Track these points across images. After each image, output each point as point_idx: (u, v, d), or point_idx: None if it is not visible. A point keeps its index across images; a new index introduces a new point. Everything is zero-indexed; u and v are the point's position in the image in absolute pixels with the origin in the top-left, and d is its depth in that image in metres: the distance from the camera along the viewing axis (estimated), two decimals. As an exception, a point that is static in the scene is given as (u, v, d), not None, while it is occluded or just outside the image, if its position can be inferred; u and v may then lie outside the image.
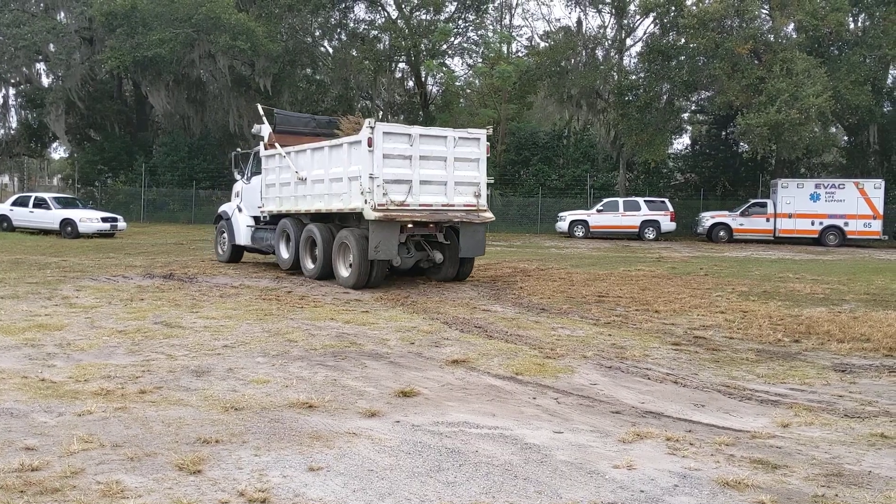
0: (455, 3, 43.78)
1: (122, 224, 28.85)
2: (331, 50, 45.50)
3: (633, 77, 39.17)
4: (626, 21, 40.67)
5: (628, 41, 41.62)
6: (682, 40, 35.31)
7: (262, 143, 17.41)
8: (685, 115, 43.85)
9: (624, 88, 37.83)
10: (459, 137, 14.36)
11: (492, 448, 5.37)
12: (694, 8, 33.56)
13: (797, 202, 32.66)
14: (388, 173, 13.54)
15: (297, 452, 5.15)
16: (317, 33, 44.71)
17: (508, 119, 40.85)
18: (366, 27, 44.64)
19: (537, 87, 41.92)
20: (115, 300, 12.14)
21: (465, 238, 14.56)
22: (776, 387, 7.47)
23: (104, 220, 28.16)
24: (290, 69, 41.16)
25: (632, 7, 39.51)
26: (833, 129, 40.16)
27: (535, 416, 6.28)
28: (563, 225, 34.03)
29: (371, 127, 13.44)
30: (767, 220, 33.17)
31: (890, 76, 38.97)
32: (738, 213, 33.85)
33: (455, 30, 43.90)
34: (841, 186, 32.79)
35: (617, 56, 41.25)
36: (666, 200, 35.22)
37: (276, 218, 17.06)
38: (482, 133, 14.71)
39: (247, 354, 8.31)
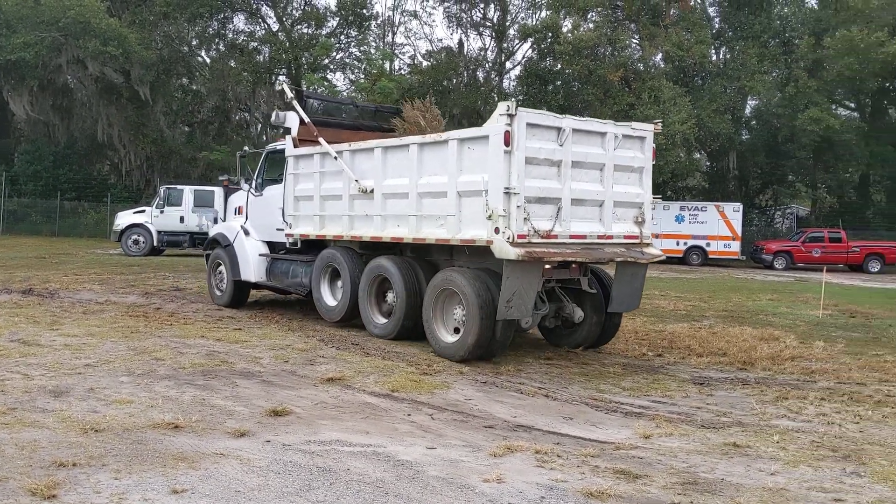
0: (337, 19, 43.69)
1: (-24, 236, 27.03)
2: (208, 60, 44.41)
3: (513, 99, 40.21)
4: (505, 45, 41.75)
5: (508, 64, 42.75)
6: (559, 66, 36.54)
7: (288, 136, 12.59)
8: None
9: (503, 110, 38.73)
10: (623, 135, 9.84)
11: (364, 466, 5.35)
12: (569, 35, 34.83)
13: (663, 223, 34.23)
14: (532, 188, 8.94)
15: (161, 475, 4.96)
16: (194, 43, 43.55)
17: (390, 136, 41.00)
18: (245, 38, 43.84)
19: (419, 105, 42.30)
20: (-35, 317, 11.35)
21: (620, 284, 10.11)
22: (640, 399, 7.80)
23: (-44, 231, 26.31)
24: (164, 78, 39.89)
25: (511, 32, 40.63)
26: (697, 155, 42.42)
27: (409, 432, 6.31)
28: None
29: (510, 114, 8.71)
30: (637, 239, 34.58)
31: (748, 106, 41.65)
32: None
33: (337, 45, 43.78)
34: (703, 209, 34.62)
35: (497, 78, 42.24)
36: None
37: (310, 245, 12.33)
38: (649, 129, 10.19)
39: (110, 373, 7.95)
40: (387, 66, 43.44)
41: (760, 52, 35.66)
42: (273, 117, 12.96)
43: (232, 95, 42.28)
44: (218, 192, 24.63)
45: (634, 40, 37.49)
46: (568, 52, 33.88)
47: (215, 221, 19.07)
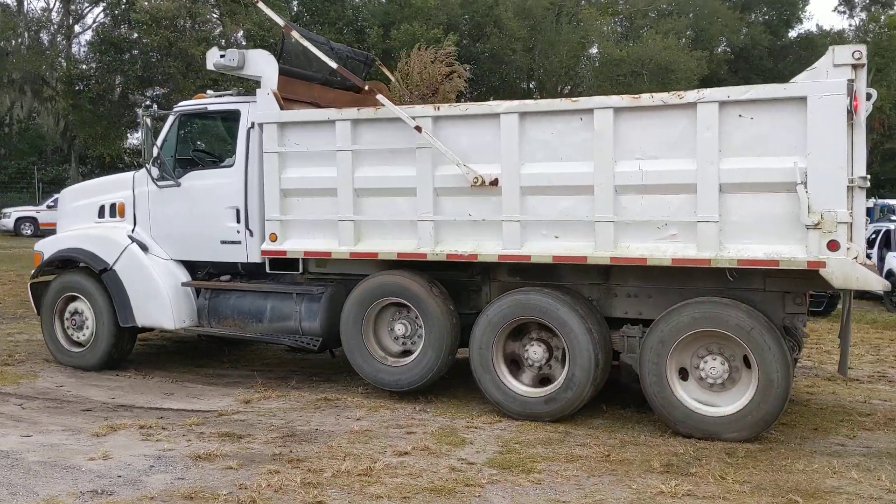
0: None
1: None
2: None
3: (84, 66, 37.28)
4: (73, 7, 38.50)
5: (77, 28, 39.47)
6: (135, 35, 34.84)
7: (262, 92, 7.56)
8: (139, 111, 43.33)
9: (74, 77, 35.77)
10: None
11: (-49, 463, 5.03)
12: (146, 4, 33.38)
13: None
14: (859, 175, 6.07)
15: None
16: None
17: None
18: None
19: (-31, 65, 37.25)
20: None
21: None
22: (240, 370, 8.27)
23: None
24: None
25: (77, -8, 37.61)
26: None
27: (-1, 424, 6.01)
28: (8, 222, 30.96)
29: (858, 63, 5.79)
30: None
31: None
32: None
33: None
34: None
35: (65, 42, 38.81)
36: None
37: (304, 267, 7.72)
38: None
39: None
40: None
41: (337, 38, 37.83)
42: (221, 58, 7.74)
43: None
44: None
45: (215, 14, 37.21)
46: (145, 21, 32.46)
47: None
